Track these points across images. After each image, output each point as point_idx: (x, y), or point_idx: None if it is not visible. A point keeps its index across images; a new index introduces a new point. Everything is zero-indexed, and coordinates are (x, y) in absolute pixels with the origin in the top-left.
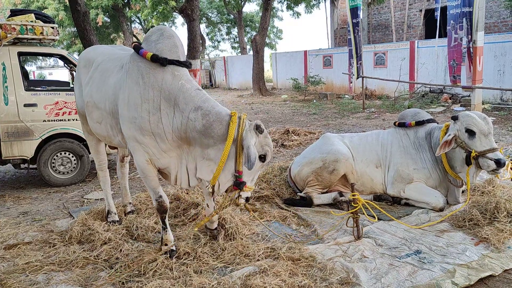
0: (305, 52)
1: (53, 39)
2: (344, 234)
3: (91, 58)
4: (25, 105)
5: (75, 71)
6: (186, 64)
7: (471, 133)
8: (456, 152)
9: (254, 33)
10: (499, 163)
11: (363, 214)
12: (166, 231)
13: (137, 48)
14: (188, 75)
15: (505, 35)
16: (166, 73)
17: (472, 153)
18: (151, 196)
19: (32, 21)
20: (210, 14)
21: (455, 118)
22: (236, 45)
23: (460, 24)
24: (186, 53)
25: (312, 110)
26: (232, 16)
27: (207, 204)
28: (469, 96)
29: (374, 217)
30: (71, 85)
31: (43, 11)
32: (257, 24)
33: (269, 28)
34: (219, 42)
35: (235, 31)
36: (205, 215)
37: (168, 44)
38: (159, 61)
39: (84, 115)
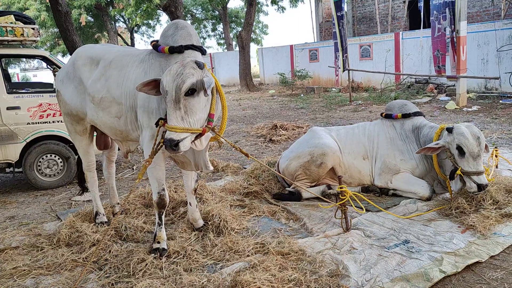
0: (291, 46)
1: (34, 40)
2: (333, 226)
3: (95, 56)
4: (8, 108)
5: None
6: (201, 49)
7: (461, 151)
8: (446, 161)
9: (240, 29)
10: (481, 188)
11: (351, 206)
12: (161, 228)
13: (156, 46)
14: (199, 58)
15: (488, 24)
16: (179, 59)
17: (458, 170)
18: (152, 189)
19: (12, 23)
20: (194, 11)
21: (449, 130)
22: (222, 41)
23: (443, 14)
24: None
25: (299, 104)
26: (217, 13)
27: (189, 202)
28: (454, 85)
29: (362, 208)
30: (55, 87)
31: (24, 12)
32: (242, 20)
33: (254, 23)
34: (204, 39)
35: (220, 28)
36: (192, 214)
37: (182, 34)
38: (177, 50)
39: (77, 115)
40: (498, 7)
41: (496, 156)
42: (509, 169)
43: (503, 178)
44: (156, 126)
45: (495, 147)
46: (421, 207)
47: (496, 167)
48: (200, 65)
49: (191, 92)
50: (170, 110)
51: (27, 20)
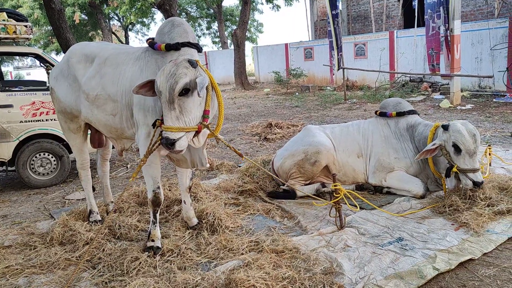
0: (286, 45)
1: (27, 38)
2: (327, 224)
3: (90, 54)
4: (0, 106)
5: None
6: (197, 46)
7: (457, 148)
8: (441, 158)
9: (235, 27)
10: (477, 185)
11: (345, 203)
12: (156, 226)
13: (152, 44)
14: (195, 56)
15: (481, 23)
16: (175, 57)
17: (454, 167)
18: (147, 187)
19: (4, 20)
20: (189, 9)
21: (445, 128)
22: (217, 39)
23: (437, 13)
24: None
25: (294, 102)
26: (211, 11)
27: (184, 200)
28: (448, 84)
29: (356, 206)
30: (48, 85)
31: (17, 10)
32: (237, 18)
33: (249, 21)
34: (199, 37)
35: (215, 26)
36: (186, 212)
37: (178, 31)
38: (173, 47)
39: (71, 112)
40: (492, 6)
41: (489, 154)
42: (502, 167)
43: (496, 176)
44: (154, 127)
45: (489, 145)
46: (415, 205)
47: (490, 165)
48: (193, 64)
49: (185, 92)
50: (165, 111)
51: (19, 18)
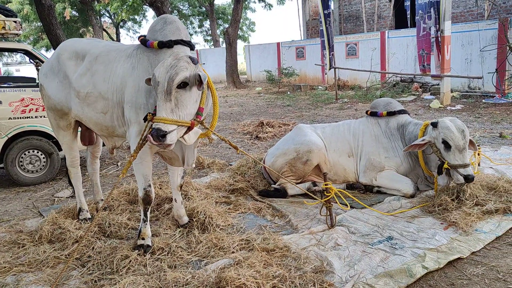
0: (278, 44)
1: (16, 34)
2: (318, 223)
3: (80, 50)
4: None
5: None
6: (190, 44)
7: (446, 145)
8: (432, 156)
9: (227, 26)
10: (468, 179)
11: (336, 202)
12: (146, 224)
13: (144, 41)
14: (188, 53)
15: (472, 25)
16: (169, 54)
17: (444, 164)
18: (138, 185)
19: None
20: (181, 7)
21: (434, 125)
22: (208, 38)
23: (428, 14)
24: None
25: (286, 102)
26: (203, 9)
27: (175, 199)
28: (438, 84)
29: (346, 205)
30: (37, 81)
31: (7, 6)
32: (229, 17)
33: (241, 20)
34: (191, 35)
35: (207, 24)
36: (177, 210)
37: (171, 28)
38: (166, 45)
39: (61, 110)
40: (482, 7)
41: (478, 154)
42: (491, 167)
43: (485, 176)
44: (145, 121)
45: (478, 145)
46: (405, 204)
47: (479, 165)
48: (194, 60)
49: (183, 85)
50: (161, 102)
51: (8, 13)
